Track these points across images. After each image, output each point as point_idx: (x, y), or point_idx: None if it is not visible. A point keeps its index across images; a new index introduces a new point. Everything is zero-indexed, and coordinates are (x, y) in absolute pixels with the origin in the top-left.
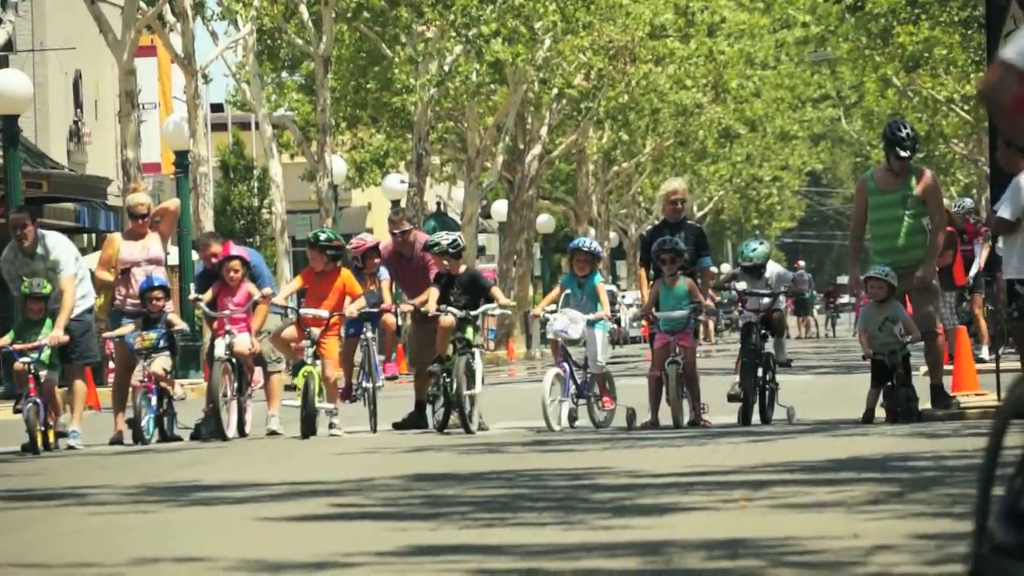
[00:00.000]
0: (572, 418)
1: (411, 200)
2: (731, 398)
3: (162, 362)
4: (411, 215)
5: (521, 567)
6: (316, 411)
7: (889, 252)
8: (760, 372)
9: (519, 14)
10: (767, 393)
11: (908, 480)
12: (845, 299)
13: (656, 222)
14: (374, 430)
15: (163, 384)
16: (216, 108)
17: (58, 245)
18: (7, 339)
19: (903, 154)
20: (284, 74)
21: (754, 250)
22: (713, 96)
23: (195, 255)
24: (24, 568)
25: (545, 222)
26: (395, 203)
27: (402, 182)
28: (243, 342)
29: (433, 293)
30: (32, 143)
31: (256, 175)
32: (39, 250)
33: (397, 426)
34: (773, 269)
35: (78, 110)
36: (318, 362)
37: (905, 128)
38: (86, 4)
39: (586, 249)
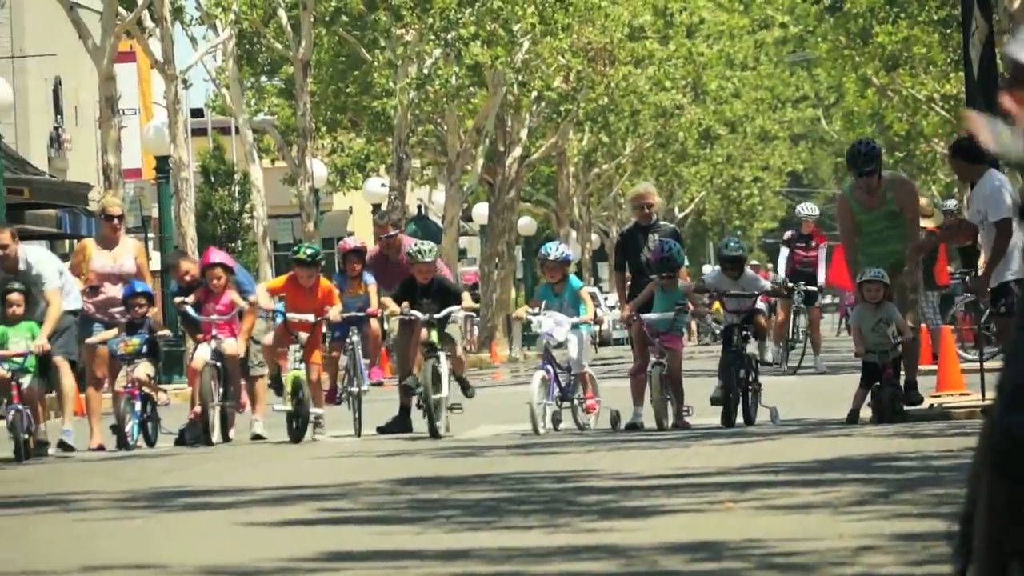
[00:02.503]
0: (556, 421)
1: (392, 203)
2: (714, 401)
3: (145, 367)
4: (396, 219)
5: (506, 570)
6: (309, 415)
7: (880, 261)
8: (742, 373)
9: (497, 17)
10: (750, 394)
11: (894, 480)
12: (828, 299)
13: (627, 227)
14: (359, 434)
15: (147, 390)
16: (196, 113)
17: (41, 260)
18: None
19: (866, 169)
20: (264, 78)
21: (737, 244)
22: (693, 97)
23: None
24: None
25: (526, 224)
26: (376, 207)
27: (383, 186)
28: (232, 345)
29: (388, 301)
30: (13, 149)
31: (237, 180)
32: (22, 266)
33: (381, 430)
34: (749, 273)
35: (58, 116)
36: (303, 366)
37: (860, 147)
38: (65, 10)
39: (553, 258)
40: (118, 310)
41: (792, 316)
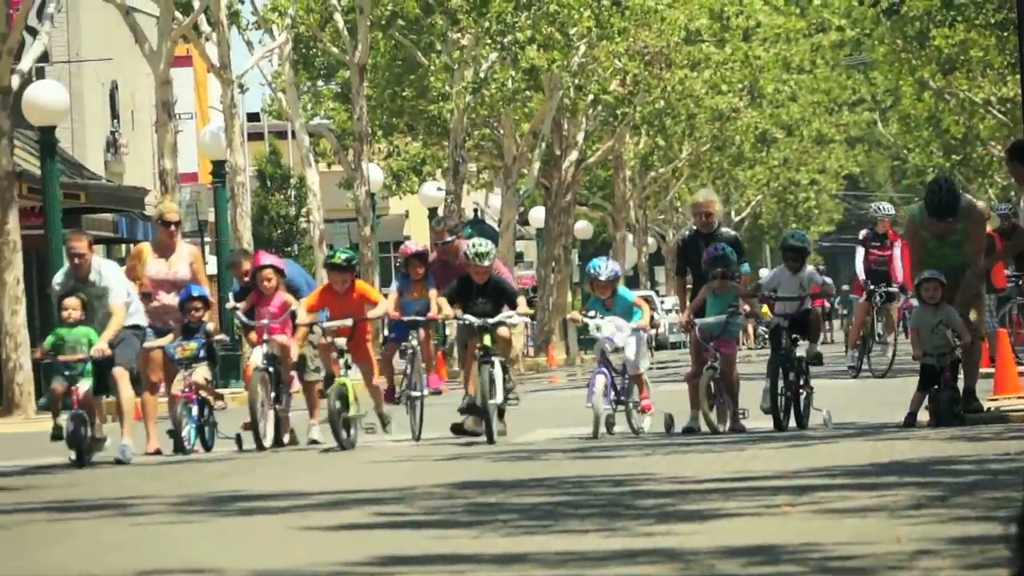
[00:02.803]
0: (610, 424)
1: (448, 208)
2: (765, 411)
3: (203, 371)
4: (452, 225)
5: (562, 574)
6: (350, 421)
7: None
8: (792, 376)
9: (554, 20)
10: (801, 397)
11: (951, 484)
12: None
13: (690, 232)
14: (418, 439)
15: (204, 394)
16: (252, 117)
17: (112, 275)
18: (44, 350)
19: (947, 220)
20: (320, 83)
21: (802, 236)
22: (749, 101)
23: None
24: None
25: (583, 228)
26: (432, 211)
27: (439, 189)
28: (283, 339)
29: (441, 302)
30: (69, 154)
31: (293, 184)
32: (92, 276)
33: (457, 430)
34: (809, 269)
35: (115, 121)
36: (350, 372)
37: (943, 195)
38: (121, 15)
39: (604, 279)
40: (172, 316)
41: (873, 317)
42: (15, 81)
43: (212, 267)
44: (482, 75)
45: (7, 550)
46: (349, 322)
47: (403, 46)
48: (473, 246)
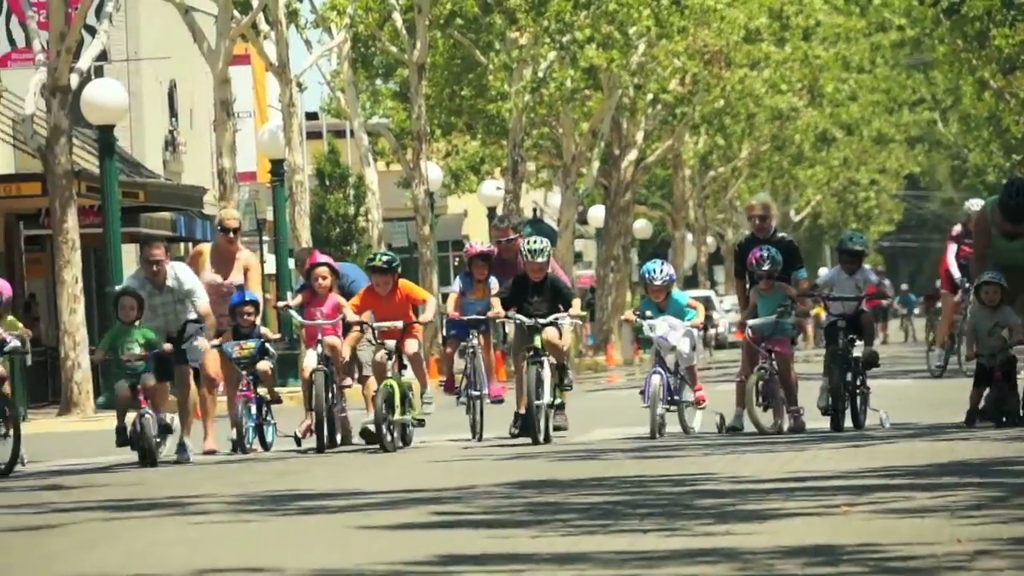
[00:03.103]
0: (660, 425)
1: (508, 207)
2: (823, 411)
3: (267, 364)
4: (515, 223)
5: (622, 574)
6: (393, 423)
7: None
8: (849, 376)
9: (613, 20)
10: (858, 398)
11: (1011, 485)
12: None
13: (746, 237)
14: (480, 439)
15: (263, 391)
16: (311, 116)
17: (189, 275)
18: (102, 352)
19: (1020, 225)
20: (378, 82)
21: (861, 238)
22: (809, 100)
23: (292, 264)
24: None
25: (642, 227)
26: (491, 210)
27: (498, 188)
28: (334, 340)
29: (494, 302)
30: (128, 153)
31: (352, 183)
32: (170, 283)
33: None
34: (866, 269)
35: (173, 119)
36: (404, 372)
37: (1019, 196)
38: (180, 13)
39: (658, 283)
40: (224, 318)
41: (964, 314)
42: (74, 80)
43: (270, 266)
44: (541, 74)
45: (67, 548)
46: (400, 324)
47: (462, 45)
48: (529, 243)
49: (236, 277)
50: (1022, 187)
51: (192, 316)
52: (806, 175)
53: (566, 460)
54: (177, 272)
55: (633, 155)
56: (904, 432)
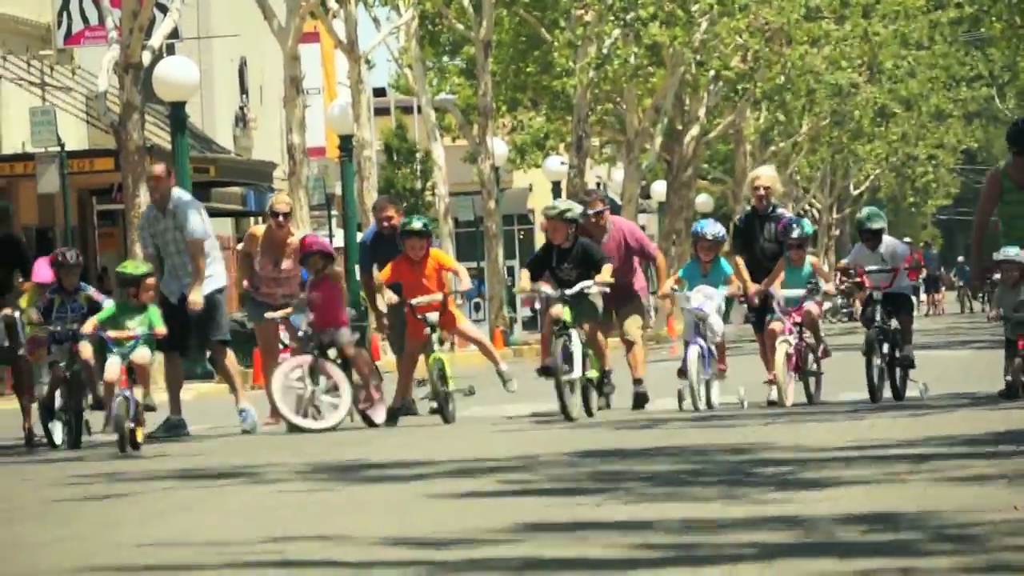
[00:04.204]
0: (681, 399)
1: (571, 181)
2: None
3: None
4: (603, 196)
5: (686, 542)
6: (449, 395)
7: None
8: (887, 348)
9: None
10: (897, 370)
11: None
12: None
13: (746, 212)
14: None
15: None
16: (379, 93)
17: (190, 206)
18: (94, 321)
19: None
20: (445, 59)
21: (878, 215)
22: (868, 76)
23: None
24: (193, 547)
25: (704, 202)
26: (556, 185)
27: (562, 163)
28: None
29: (524, 274)
30: (199, 129)
31: (419, 158)
32: (170, 206)
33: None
34: (888, 242)
35: (243, 96)
36: (444, 346)
37: (1021, 123)
38: None
39: (711, 236)
40: (288, 293)
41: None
42: (146, 57)
43: (339, 240)
44: (605, 51)
45: (136, 517)
46: (439, 296)
47: (527, 22)
48: (554, 203)
49: (287, 264)
50: None
51: (216, 285)
52: (865, 150)
53: (629, 430)
54: (179, 198)
55: (695, 130)
56: (960, 402)
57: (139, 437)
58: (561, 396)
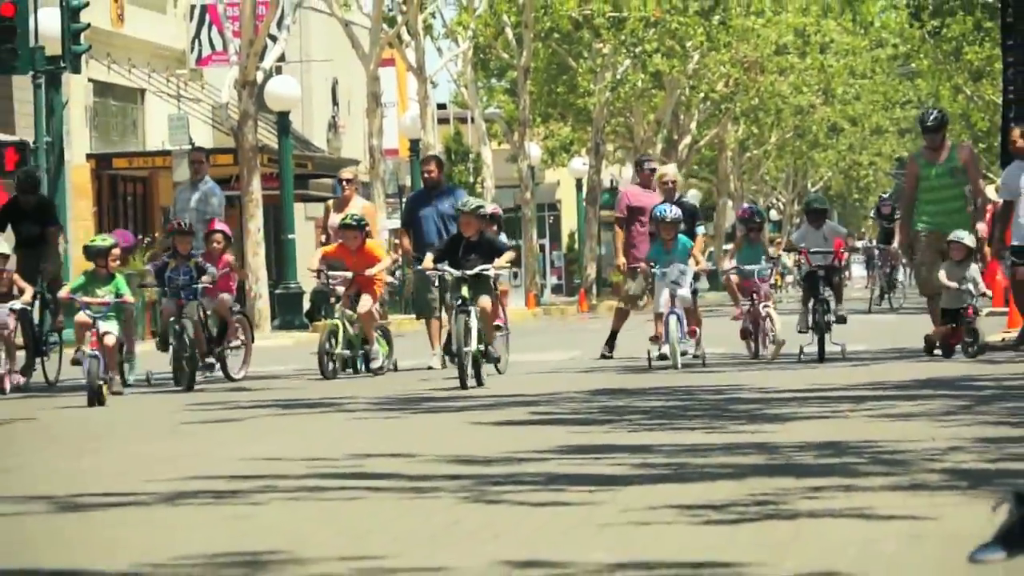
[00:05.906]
0: (651, 360)
1: (591, 178)
2: (801, 332)
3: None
4: (660, 159)
5: (678, 462)
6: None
7: (937, 215)
8: (820, 314)
9: (674, 35)
10: (826, 334)
11: (974, 396)
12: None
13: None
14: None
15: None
16: (441, 106)
17: (217, 190)
18: (67, 289)
19: (930, 124)
20: (493, 80)
21: (822, 199)
22: (823, 99)
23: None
24: (286, 461)
25: (693, 195)
26: (579, 181)
27: (583, 164)
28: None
29: (427, 257)
30: (300, 133)
31: (471, 158)
32: (203, 186)
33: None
34: (830, 225)
35: (335, 107)
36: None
37: (932, 112)
38: (341, 26)
39: (670, 220)
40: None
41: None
42: (259, 76)
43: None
44: (618, 77)
45: (244, 437)
46: (348, 274)
47: (558, 53)
48: (464, 198)
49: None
50: (930, 109)
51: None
52: (820, 157)
53: (631, 373)
54: (210, 181)
55: (688, 140)
56: (892, 356)
57: (105, 394)
58: (463, 367)
